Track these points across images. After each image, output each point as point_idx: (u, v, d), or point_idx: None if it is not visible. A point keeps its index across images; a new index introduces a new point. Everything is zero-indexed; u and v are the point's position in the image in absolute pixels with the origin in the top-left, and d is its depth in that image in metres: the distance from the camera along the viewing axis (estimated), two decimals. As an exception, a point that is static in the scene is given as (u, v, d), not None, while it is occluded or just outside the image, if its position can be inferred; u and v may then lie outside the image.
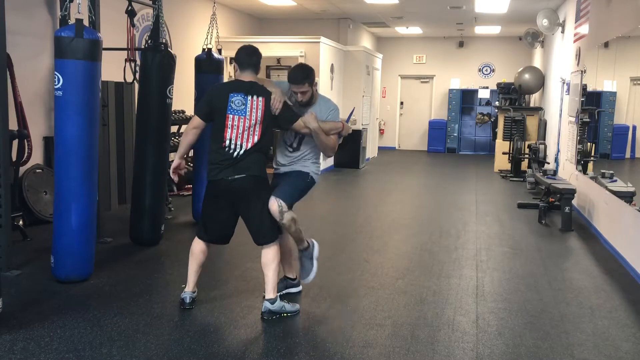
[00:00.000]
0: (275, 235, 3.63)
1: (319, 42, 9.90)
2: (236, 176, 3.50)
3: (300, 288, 4.10)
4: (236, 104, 3.50)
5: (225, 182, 3.52)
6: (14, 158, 5.26)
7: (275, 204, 3.57)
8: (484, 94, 14.86)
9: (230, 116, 3.50)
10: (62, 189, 4.09)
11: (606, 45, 6.30)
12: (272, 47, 10.32)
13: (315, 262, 3.87)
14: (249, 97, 3.51)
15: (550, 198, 7.04)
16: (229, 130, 3.50)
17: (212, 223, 3.67)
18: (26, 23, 5.81)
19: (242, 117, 3.49)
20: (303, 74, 3.66)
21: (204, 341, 3.27)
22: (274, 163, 3.90)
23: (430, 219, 6.85)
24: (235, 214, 3.68)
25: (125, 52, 5.57)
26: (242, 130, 3.49)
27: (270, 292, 3.60)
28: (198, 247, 3.73)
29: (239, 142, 3.50)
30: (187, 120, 7.94)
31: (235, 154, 3.50)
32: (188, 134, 3.61)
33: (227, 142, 3.50)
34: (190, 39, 8.85)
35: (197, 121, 3.59)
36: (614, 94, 6.63)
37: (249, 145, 3.51)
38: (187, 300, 3.73)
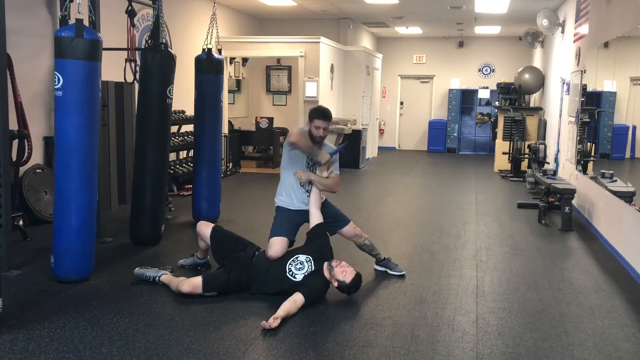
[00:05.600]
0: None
1: (319, 42, 9.91)
2: None
3: None
4: None
5: None
6: (14, 158, 5.26)
7: None
8: (484, 94, 14.86)
9: None
10: (62, 189, 4.09)
11: (606, 45, 6.30)
12: (272, 47, 10.34)
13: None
14: None
15: (550, 198, 7.04)
16: None
17: None
18: (26, 23, 5.81)
19: None
20: (330, 114, 4.27)
21: (204, 341, 3.27)
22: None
23: (430, 219, 6.84)
24: None
25: (125, 52, 5.58)
26: None
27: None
28: None
29: None
30: (187, 120, 7.94)
31: None
32: None
33: None
34: (190, 39, 8.85)
35: None
36: (613, 94, 6.63)
37: None
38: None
